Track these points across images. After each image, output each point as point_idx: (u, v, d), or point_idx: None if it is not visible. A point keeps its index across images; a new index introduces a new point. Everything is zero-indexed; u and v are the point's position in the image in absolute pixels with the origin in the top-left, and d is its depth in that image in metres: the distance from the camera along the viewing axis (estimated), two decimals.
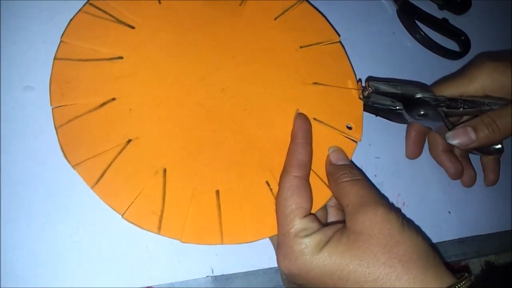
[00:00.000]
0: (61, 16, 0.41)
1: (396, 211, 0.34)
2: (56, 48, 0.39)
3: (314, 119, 0.41)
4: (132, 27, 0.39)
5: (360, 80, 0.42)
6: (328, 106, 0.42)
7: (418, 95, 0.41)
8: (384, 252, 0.31)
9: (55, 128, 0.35)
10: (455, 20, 0.57)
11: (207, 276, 0.38)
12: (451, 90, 0.42)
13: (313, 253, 0.32)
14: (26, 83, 0.38)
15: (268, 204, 0.37)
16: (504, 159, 0.52)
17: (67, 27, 0.38)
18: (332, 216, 0.40)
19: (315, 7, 0.47)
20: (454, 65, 0.55)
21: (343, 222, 0.35)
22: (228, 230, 0.35)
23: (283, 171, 0.37)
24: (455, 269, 0.36)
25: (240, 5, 0.44)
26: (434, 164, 0.49)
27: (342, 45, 0.46)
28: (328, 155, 0.40)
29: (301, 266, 0.32)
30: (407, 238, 0.32)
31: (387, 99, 0.42)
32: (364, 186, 0.36)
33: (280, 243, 0.34)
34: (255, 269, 0.39)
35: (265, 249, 0.39)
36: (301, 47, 0.44)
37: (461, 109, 0.42)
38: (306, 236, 0.33)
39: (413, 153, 0.47)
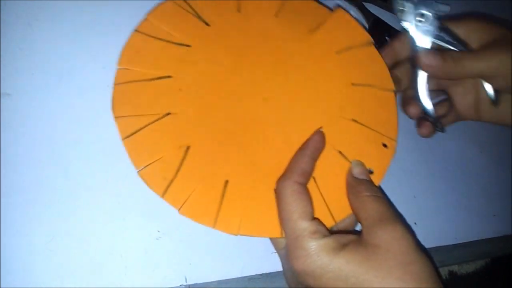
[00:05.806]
0: (39, 23, 0.41)
1: (411, 231, 0.35)
2: (31, 55, 0.40)
3: (339, 152, 0.41)
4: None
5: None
6: (359, 147, 0.42)
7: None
8: (399, 268, 0.32)
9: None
10: None
11: (180, 285, 0.38)
12: None
13: (330, 256, 0.33)
14: (2, 89, 0.38)
15: (269, 208, 0.37)
16: (465, 173, 0.54)
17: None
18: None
19: None
20: None
21: (350, 232, 0.37)
22: (223, 218, 0.36)
23: (282, 177, 0.37)
24: None
25: (308, 32, 0.45)
26: (401, 176, 0.51)
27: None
28: (350, 167, 0.40)
29: (316, 267, 0.33)
30: (420, 258, 0.33)
31: None
32: (384, 203, 0.36)
33: (292, 247, 0.34)
34: (228, 278, 0.40)
35: (238, 258, 0.40)
36: (353, 84, 0.44)
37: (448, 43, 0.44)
38: (320, 238, 0.34)
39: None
